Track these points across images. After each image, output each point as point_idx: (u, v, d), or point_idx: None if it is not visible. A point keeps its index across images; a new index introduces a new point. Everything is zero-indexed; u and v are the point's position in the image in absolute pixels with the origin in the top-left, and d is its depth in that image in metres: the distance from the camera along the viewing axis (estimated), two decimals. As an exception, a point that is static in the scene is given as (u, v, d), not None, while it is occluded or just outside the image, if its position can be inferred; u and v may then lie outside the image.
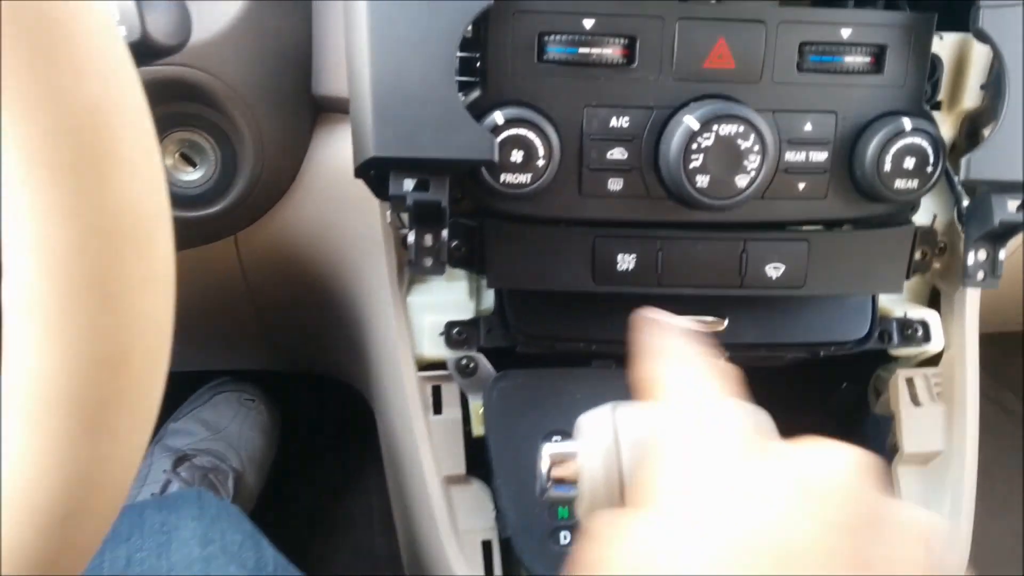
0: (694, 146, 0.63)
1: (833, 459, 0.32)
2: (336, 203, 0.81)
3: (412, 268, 0.65)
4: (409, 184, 0.62)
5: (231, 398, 1.44)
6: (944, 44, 0.74)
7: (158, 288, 0.39)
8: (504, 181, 0.64)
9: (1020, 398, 1.68)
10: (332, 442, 1.52)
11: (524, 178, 0.64)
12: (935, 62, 0.73)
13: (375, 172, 0.64)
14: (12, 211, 0.34)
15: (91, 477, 0.37)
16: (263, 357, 1.24)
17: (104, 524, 0.40)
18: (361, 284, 0.82)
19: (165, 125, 0.76)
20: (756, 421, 0.40)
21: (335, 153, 0.80)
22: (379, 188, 0.66)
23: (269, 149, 0.77)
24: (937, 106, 0.76)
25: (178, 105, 0.75)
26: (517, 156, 0.63)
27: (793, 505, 0.30)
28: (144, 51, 0.50)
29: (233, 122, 0.76)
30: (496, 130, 0.62)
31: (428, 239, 0.65)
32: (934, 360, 0.82)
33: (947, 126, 0.78)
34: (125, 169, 0.36)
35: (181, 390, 1.45)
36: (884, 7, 0.72)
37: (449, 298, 0.80)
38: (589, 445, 0.54)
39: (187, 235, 0.80)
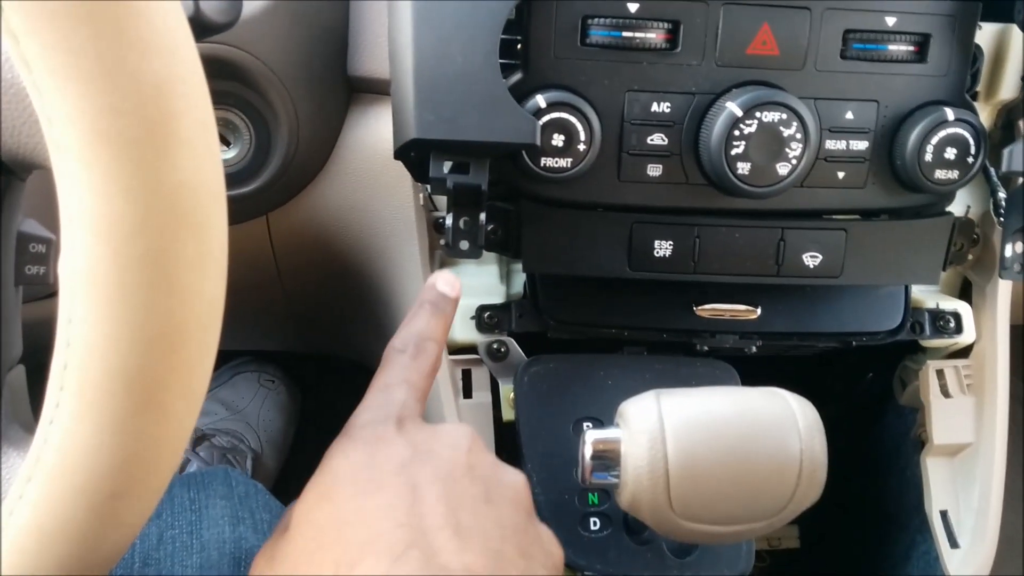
0: (736, 133, 0.62)
1: (451, 432, 0.47)
2: (368, 185, 0.81)
3: (449, 251, 0.65)
4: (448, 166, 0.62)
5: (251, 378, 1.44)
6: (983, 34, 0.73)
7: (213, 269, 0.38)
8: (545, 165, 0.63)
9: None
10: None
11: (565, 162, 0.63)
12: (976, 52, 0.72)
13: (415, 154, 0.63)
14: (73, 186, 0.33)
15: (141, 456, 0.37)
16: (288, 338, 1.24)
17: (151, 503, 0.40)
18: (392, 266, 0.82)
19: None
20: None
21: (368, 135, 0.80)
22: (419, 170, 0.65)
23: (303, 130, 0.77)
24: (975, 96, 0.76)
25: (214, 83, 0.74)
26: (558, 140, 0.63)
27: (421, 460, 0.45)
28: (196, 29, 0.50)
29: (268, 102, 0.75)
30: (538, 113, 0.62)
31: (465, 222, 0.65)
32: (964, 352, 0.82)
33: (983, 116, 0.78)
34: (185, 149, 0.36)
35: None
36: None
37: (480, 282, 0.80)
38: (634, 433, 0.54)
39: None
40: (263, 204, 0.80)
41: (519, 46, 0.66)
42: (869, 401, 0.98)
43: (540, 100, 0.62)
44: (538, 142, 0.61)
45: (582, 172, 0.64)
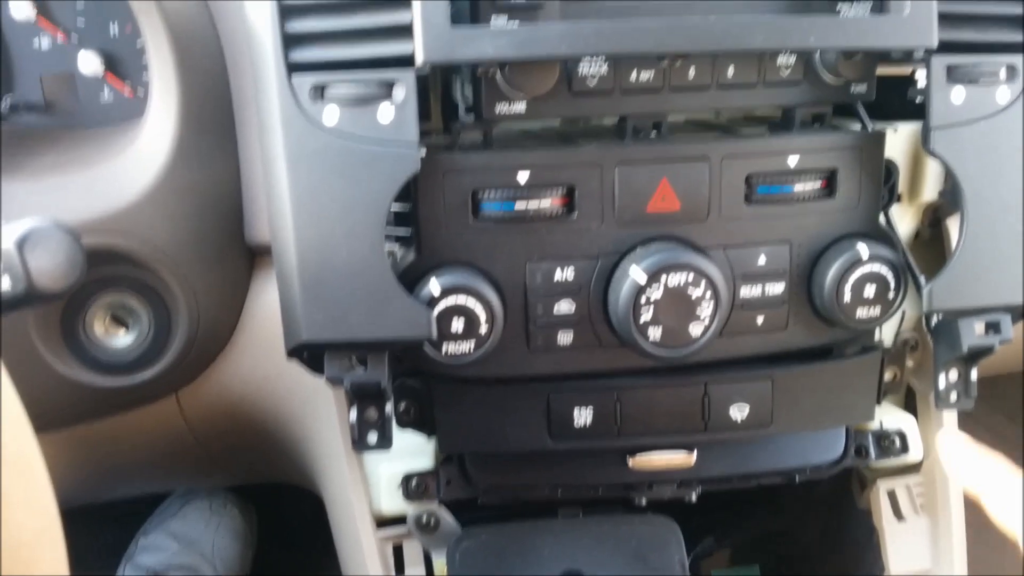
0: (643, 299, 0.60)
1: None
2: (280, 352, 0.77)
3: (356, 447, 0.61)
4: (345, 364, 0.59)
5: (202, 506, 1.39)
6: (899, 137, 0.71)
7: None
8: (447, 352, 0.60)
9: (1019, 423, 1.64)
10: (311, 538, 1.47)
11: (467, 346, 0.60)
12: (889, 167, 0.70)
13: (308, 354, 0.60)
14: None
15: None
16: (225, 479, 1.20)
17: None
18: (312, 436, 0.78)
19: (92, 290, 0.72)
20: None
21: (276, 300, 0.76)
22: (315, 367, 0.62)
23: (205, 305, 0.73)
24: (899, 198, 0.73)
25: (105, 269, 0.71)
26: (458, 325, 0.60)
27: None
28: (30, 301, 0.46)
29: (164, 282, 0.72)
30: (433, 302, 0.59)
31: (371, 414, 0.61)
32: (915, 466, 0.79)
33: (908, 218, 0.76)
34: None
35: (151, 500, 1.40)
36: (836, 116, 0.70)
37: (406, 442, 0.76)
38: None
39: (121, 401, 0.76)
40: (169, 385, 0.76)
41: (412, 218, 0.63)
42: (830, 503, 0.95)
43: (434, 286, 0.59)
44: (433, 335, 0.57)
45: (486, 354, 0.61)
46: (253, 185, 0.73)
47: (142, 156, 0.69)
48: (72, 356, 0.72)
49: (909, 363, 0.78)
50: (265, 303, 0.77)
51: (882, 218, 0.68)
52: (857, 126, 0.69)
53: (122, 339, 0.73)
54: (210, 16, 0.71)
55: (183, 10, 0.69)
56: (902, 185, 0.73)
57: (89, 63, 0.78)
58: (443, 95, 0.72)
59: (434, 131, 0.72)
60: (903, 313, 0.77)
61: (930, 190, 0.74)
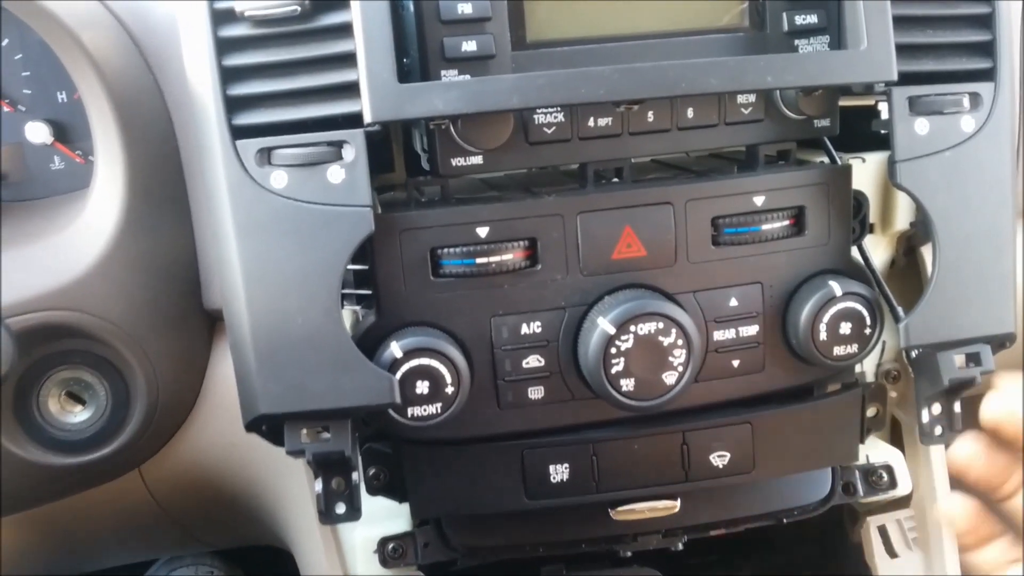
0: (613, 351, 0.58)
1: None
2: (245, 419, 0.75)
3: (323, 519, 0.59)
4: (306, 434, 0.56)
5: (187, 574, 1.35)
6: (867, 167, 0.70)
7: None
8: (413, 416, 0.58)
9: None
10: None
11: (434, 409, 0.58)
12: (859, 199, 0.69)
13: (267, 426, 0.58)
14: None
15: None
16: (206, 545, 1.16)
17: None
18: (283, 502, 0.76)
19: (45, 367, 0.69)
20: None
21: (238, 366, 0.74)
22: (276, 439, 0.59)
23: (164, 376, 0.71)
24: (871, 229, 0.72)
25: (58, 344, 0.69)
26: (423, 387, 0.57)
27: None
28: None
29: (120, 355, 0.69)
30: (395, 365, 0.57)
31: (337, 483, 0.59)
32: (905, 499, 0.77)
33: (882, 248, 0.75)
34: None
35: (137, 567, 1.36)
36: (803, 149, 0.68)
37: (380, 505, 0.73)
38: None
39: (80, 479, 0.73)
40: (130, 460, 0.74)
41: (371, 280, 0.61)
42: (823, 532, 0.93)
43: (396, 349, 0.57)
44: (397, 399, 0.55)
45: (454, 415, 0.58)
46: (208, 250, 0.71)
47: (90, 228, 0.67)
48: (27, 437, 0.69)
49: (892, 394, 0.76)
50: (227, 369, 0.74)
51: (855, 251, 0.67)
52: (824, 158, 0.68)
53: (79, 416, 0.71)
54: (155, 82, 0.69)
55: (126, 77, 0.68)
56: (874, 215, 0.72)
57: (37, 133, 0.77)
58: (406, 143, 0.70)
59: (398, 183, 0.70)
60: (883, 344, 0.76)
61: (902, 219, 0.73)
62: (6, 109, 0.77)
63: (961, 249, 0.62)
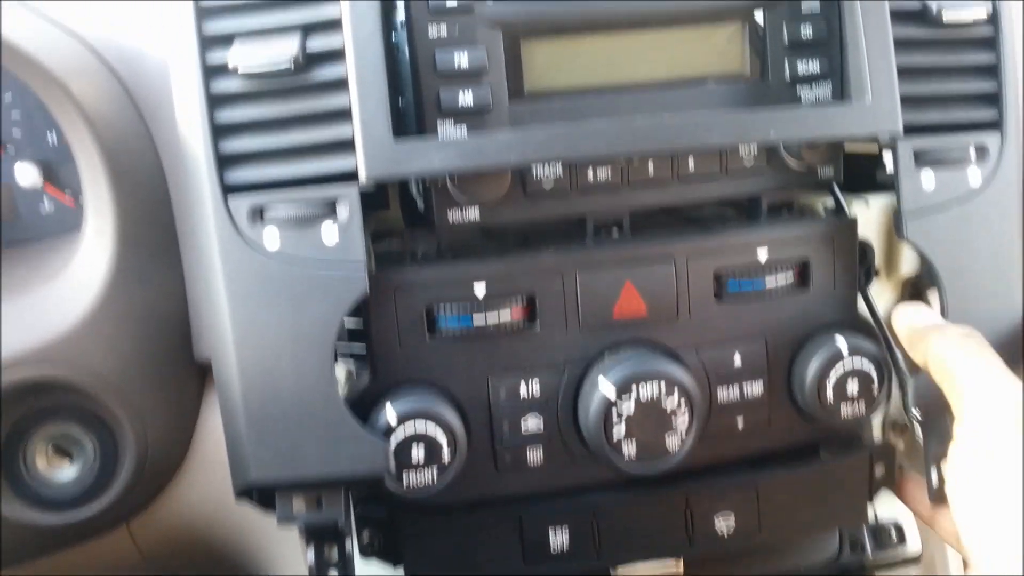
0: (614, 415, 0.56)
1: None
2: (237, 472, 0.73)
3: (315, 590, 0.57)
4: (299, 503, 0.55)
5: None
6: (872, 211, 0.68)
7: None
8: (408, 484, 0.56)
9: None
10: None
11: (430, 475, 0.56)
12: (864, 248, 0.67)
13: (258, 493, 0.56)
14: None
15: None
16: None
17: None
18: (276, 562, 0.74)
19: (32, 422, 0.67)
20: None
21: (229, 419, 0.72)
22: (267, 505, 0.58)
23: (153, 429, 0.69)
24: (876, 273, 0.71)
25: (45, 399, 0.67)
26: (418, 454, 0.56)
27: None
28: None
29: (108, 409, 0.67)
30: (389, 431, 0.55)
31: (330, 552, 0.57)
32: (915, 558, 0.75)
33: (888, 292, 0.73)
34: None
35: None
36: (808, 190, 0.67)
37: (373, 569, 0.72)
38: None
39: (68, 536, 0.71)
40: (120, 514, 0.72)
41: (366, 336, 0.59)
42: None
43: (391, 414, 0.55)
44: (391, 468, 0.54)
45: (450, 481, 0.56)
46: (199, 301, 0.69)
47: (78, 280, 0.65)
48: (13, 494, 0.67)
49: (900, 446, 0.74)
50: (217, 422, 0.72)
51: (861, 298, 0.65)
52: (828, 200, 0.66)
53: (66, 471, 0.69)
54: (146, 128, 0.68)
55: (116, 124, 0.66)
56: (879, 261, 0.70)
57: (27, 175, 0.75)
58: (401, 187, 0.69)
59: (394, 227, 0.69)
60: (889, 395, 0.74)
61: (908, 264, 0.71)
62: (-6, 150, 0.76)
63: (969, 303, 0.61)
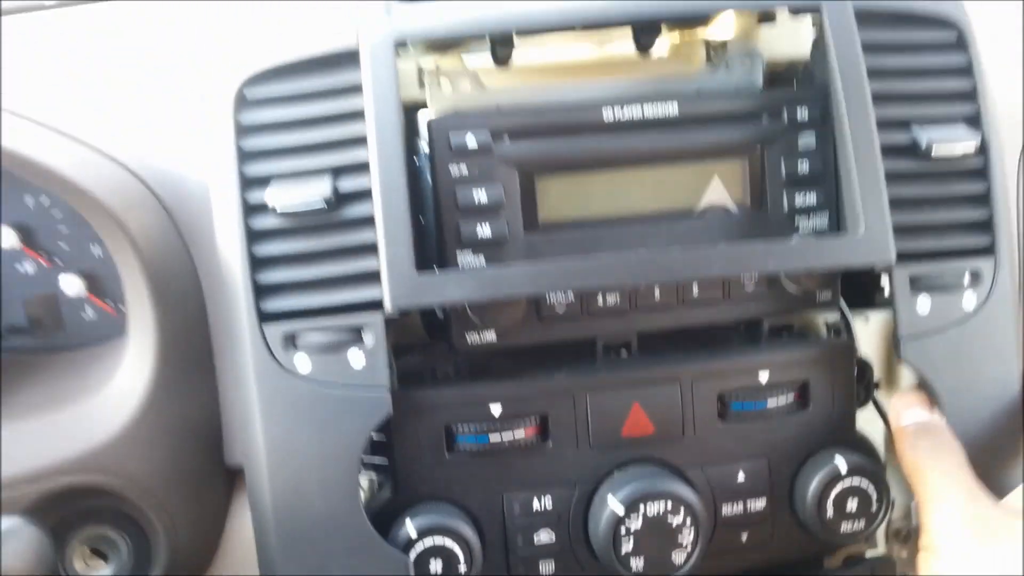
0: (622, 530, 0.59)
1: None
2: (262, 572, 0.76)
3: None
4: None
5: None
6: (871, 327, 0.71)
7: None
8: (426, 593, 0.59)
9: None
10: None
11: (447, 587, 0.59)
12: (864, 366, 0.70)
13: (286, 603, 0.59)
14: None
15: None
16: None
17: None
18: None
19: (71, 525, 0.71)
20: None
21: (256, 519, 0.76)
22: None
23: (184, 531, 0.72)
24: (878, 385, 0.73)
25: (83, 503, 0.71)
26: (436, 566, 0.59)
27: None
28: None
29: (143, 512, 0.71)
30: (409, 545, 0.58)
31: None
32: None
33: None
34: None
35: None
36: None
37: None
38: None
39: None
40: (150, 615, 0.75)
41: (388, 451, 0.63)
42: None
43: (411, 528, 0.59)
44: (411, 580, 0.57)
45: (467, 593, 0.60)
46: (231, 409, 0.74)
47: (121, 392, 0.69)
48: (54, 596, 0.71)
49: (903, 554, 0.76)
50: (244, 524, 0.76)
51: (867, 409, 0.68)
52: (830, 316, 0.70)
53: (102, 572, 0.72)
54: (186, 248, 0.73)
55: (159, 245, 0.71)
56: (879, 374, 0.73)
57: (72, 285, 0.80)
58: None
59: (414, 343, 0.72)
60: (892, 502, 0.76)
61: (908, 378, 0.74)
62: (43, 263, 0.81)
63: (969, 421, 0.64)
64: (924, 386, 0.65)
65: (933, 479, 0.60)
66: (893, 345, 0.64)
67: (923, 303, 0.63)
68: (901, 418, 0.64)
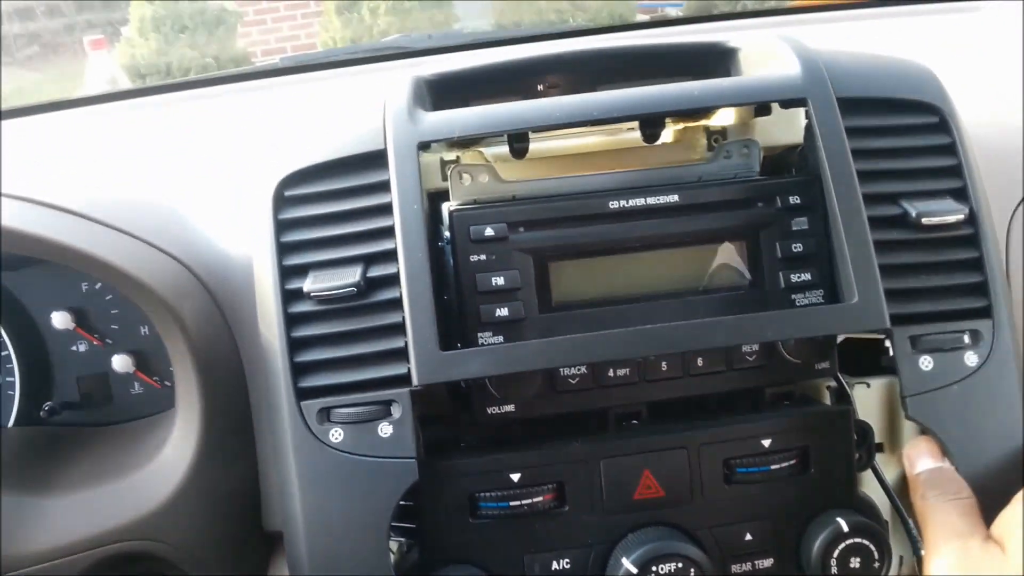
0: (637, 591, 0.63)
1: None
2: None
3: None
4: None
5: None
6: (872, 393, 0.75)
7: None
8: (451, 652, 0.63)
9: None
10: None
11: (470, 648, 0.63)
12: (864, 429, 0.74)
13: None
14: None
15: None
16: None
17: None
18: None
19: (117, 589, 0.76)
20: None
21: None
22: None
23: (224, 596, 0.77)
24: (880, 448, 0.77)
25: (132, 568, 0.75)
26: (460, 628, 0.63)
27: None
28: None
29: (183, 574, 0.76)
30: (435, 607, 0.63)
31: None
32: None
33: (893, 464, 0.78)
34: None
35: None
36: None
37: None
38: None
39: None
40: None
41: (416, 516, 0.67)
42: None
43: (437, 591, 0.63)
44: (438, 642, 0.61)
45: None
46: (269, 477, 0.79)
47: (168, 463, 0.75)
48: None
49: (909, 610, 0.79)
50: (284, 585, 0.80)
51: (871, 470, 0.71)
52: (831, 382, 0.73)
53: (144, 630, 0.77)
54: (228, 327, 0.79)
55: (204, 326, 0.76)
56: (881, 436, 0.76)
57: (122, 363, 0.86)
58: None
59: (440, 412, 0.77)
60: (900, 558, 0.79)
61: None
62: (94, 343, 0.87)
63: (978, 474, 0.66)
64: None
65: (934, 529, 0.64)
66: (901, 405, 0.67)
67: (925, 362, 0.66)
68: (915, 466, 0.68)
